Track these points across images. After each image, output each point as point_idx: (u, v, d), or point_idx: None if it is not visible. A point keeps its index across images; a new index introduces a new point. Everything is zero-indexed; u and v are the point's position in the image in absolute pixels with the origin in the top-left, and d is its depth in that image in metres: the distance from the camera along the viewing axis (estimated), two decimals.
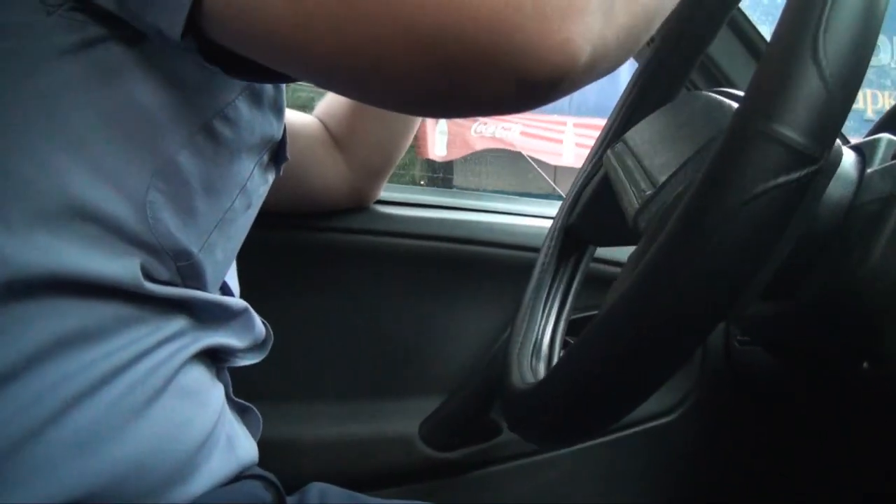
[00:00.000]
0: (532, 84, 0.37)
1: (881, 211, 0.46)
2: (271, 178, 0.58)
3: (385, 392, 0.94)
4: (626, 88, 0.69)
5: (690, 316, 0.36)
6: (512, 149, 7.34)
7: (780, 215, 0.34)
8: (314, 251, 0.94)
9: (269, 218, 0.89)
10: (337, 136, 0.89)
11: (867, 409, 0.58)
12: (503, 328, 0.95)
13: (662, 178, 0.48)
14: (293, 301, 0.92)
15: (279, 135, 0.55)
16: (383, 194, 0.96)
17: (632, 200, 0.51)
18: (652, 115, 0.56)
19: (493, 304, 0.96)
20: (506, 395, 0.50)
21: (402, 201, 0.98)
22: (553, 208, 1.03)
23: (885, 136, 0.53)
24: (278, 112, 0.54)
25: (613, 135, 0.67)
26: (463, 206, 1.03)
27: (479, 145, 7.27)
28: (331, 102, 0.90)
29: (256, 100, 0.51)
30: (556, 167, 7.54)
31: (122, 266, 0.45)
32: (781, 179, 0.33)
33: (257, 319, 0.58)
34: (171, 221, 0.47)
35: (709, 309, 0.36)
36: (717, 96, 0.51)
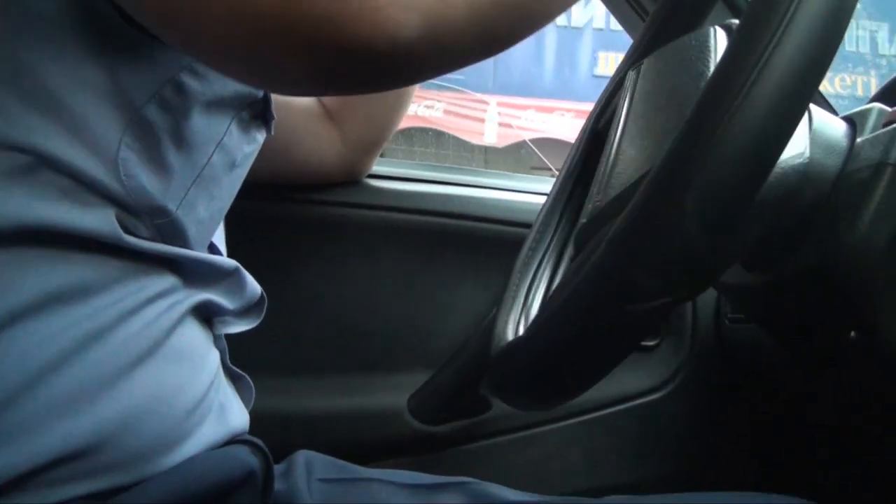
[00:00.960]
0: (341, 62, 0.35)
1: (870, 178, 0.46)
2: (260, 137, 0.57)
3: (374, 365, 0.94)
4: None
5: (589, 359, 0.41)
6: (435, 127, 7.39)
7: (631, 334, 0.39)
8: (306, 224, 0.93)
9: (261, 190, 0.89)
10: (331, 108, 0.89)
11: (855, 380, 0.58)
12: (493, 303, 0.94)
13: (612, 193, 0.50)
14: (284, 274, 0.92)
15: (259, 92, 0.54)
16: (375, 168, 0.96)
17: (586, 206, 0.54)
18: (671, 45, 0.56)
19: (484, 279, 0.96)
20: (490, 357, 0.50)
21: (395, 175, 0.98)
22: (546, 185, 1.03)
23: (877, 105, 0.53)
24: None
25: (644, 48, 0.66)
26: (455, 182, 1.03)
27: (402, 123, 7.34)
28: None
29: None
30: (485, 148, 7.59)
31: (98, 218, 0.45)
32: (636, 307, 0.37)
33: (249, 279, 0.58)
34: (145, 178, 0.46)
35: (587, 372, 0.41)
36: (710, 63, 0.50)
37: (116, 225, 0.45)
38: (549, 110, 7.58)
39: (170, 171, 0.48)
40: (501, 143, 7.26)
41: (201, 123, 0.50)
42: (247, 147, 0.56)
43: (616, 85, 0.68)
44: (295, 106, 0.85)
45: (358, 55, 0.34)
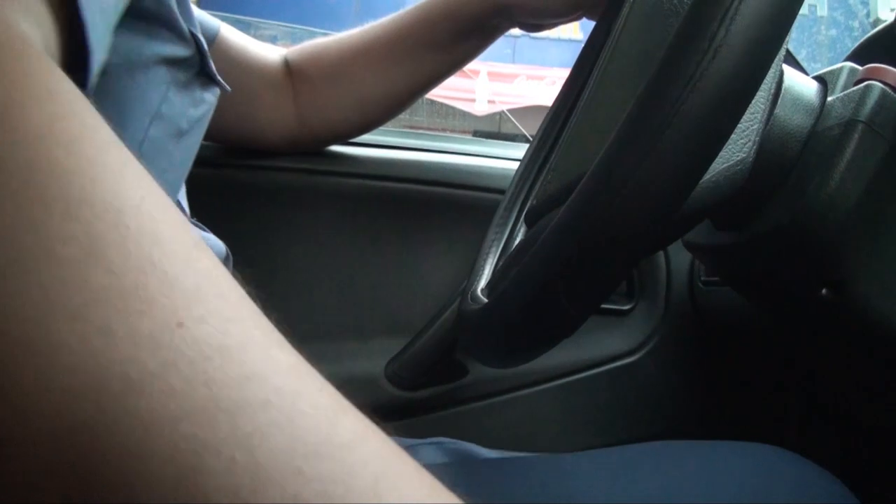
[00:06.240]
0: None
1: (841, 136, 0.46)
2: (209, 96, 0.54)
3: (350, 333, 0.94)
4: None
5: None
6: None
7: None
8: (278, 192, 0.93)
9: (230, 157, 0.88)
10: (295, 88, 0.86)
11: (828, 339, 0.59)
12: (469, 269, 0.94)
13: (545, 196, 0.50)
14: (256, 243, 0.91)
15: (186, 52, 0.51)
16: None
17: (532, 195, 0.55)
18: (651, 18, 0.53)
19: (459, 245, 0.96)
20: (462, 319, 0.50)
21: (368, 142, 0.97)
22: (521, 151, 1.03)
23: (848, 64, 0.53)
24: (172, 27, 0.49)
25: None
26: (428, 148, 1.02)
27: None
28: (318, 54, 0.87)
29: (132, 22, 0.45)
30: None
31: None
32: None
33: (212, 241, 0.57)
34: None
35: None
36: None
37: None
38: (540, 78, 7.61)
39: None
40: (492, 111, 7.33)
41: (127, 94, 0.46)
42: (193, 111, 0.53)
43: (597, 42, 0.68)
44: (255, 70, 0.82)
45: None
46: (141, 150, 0.48)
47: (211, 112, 0.55)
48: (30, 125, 0.20)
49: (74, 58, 0.30)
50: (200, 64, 0.53)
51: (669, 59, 0.33)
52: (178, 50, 0.50)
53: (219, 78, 0.55)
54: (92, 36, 0.29)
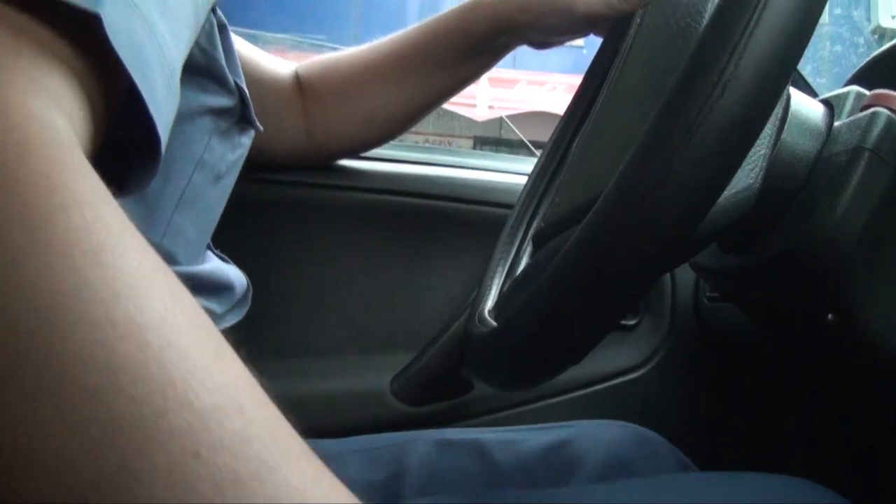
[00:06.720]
0: None
1: (848, 162, 0.46)
2: (246, 140, 0.55)
3: (356, 347, 0.94)
4: None
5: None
6: None
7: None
8: (285, 206, 0.93)
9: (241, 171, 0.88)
10: (306, 105, 0.86)
11: (832, 361, 0.59)
12: (475, 284, 0.95)
13: (554, 218, 0.50)
14: (263, 256, 0.92)
15: (230, 102, 0.52)
16: None
17: (539, 217, 0.56)
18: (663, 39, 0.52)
19: (466, 260, 0.96)
20: (470, 340, 0.51)
21: (375, 156, 0.97)
22: (528, 165, 1.03)
23: (854, 88, 0.53)
24: (220, 81, 0.51)
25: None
26: (436, 162, 1.02)
27: None
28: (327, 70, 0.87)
29: (182, 76, 0.47)
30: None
31: None
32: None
33: (236, 277, 0.57)
34: None
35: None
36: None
37: None
38: (541, 83, 7.64)
39: (146, 203, 0.46)
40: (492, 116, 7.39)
41: (172, 144, 0.47)
42: (231, 155, 0.54)
43: (608, 53, 0.68)
44: (266, 84, 0.82)
45: None
46: (183, 196, 0.49)
47: (245, 154, 0.56)
48: (54, 237, 0.20)
49: (137, 122, 0.30)
50: (242, 112, 0.54)
51: (679, 91, 0.33)
52: (223, 101, 0.51)
53: (257, 123, 0.56)
54: (158, 123, 0.29)
